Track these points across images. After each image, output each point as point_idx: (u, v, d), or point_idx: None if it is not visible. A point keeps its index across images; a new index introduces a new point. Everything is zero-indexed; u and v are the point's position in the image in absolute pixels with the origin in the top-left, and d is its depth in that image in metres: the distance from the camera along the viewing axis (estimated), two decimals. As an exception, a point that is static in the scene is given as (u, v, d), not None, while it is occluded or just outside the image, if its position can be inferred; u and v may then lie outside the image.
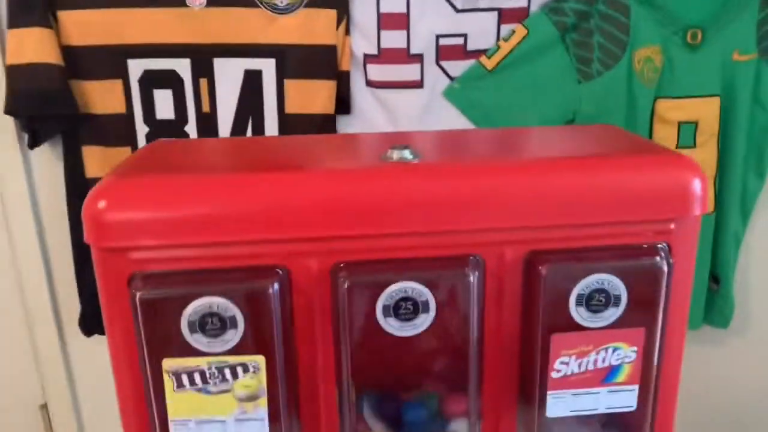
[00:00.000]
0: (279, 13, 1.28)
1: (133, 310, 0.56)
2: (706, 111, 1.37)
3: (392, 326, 0.59)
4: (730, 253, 1.64)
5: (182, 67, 1.32)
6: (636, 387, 0.62)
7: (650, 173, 0.59)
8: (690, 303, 0.64)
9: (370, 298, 0.58)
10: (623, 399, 0.62)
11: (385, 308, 0.58)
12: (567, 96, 1.33)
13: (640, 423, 0.65)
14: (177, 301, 0.56)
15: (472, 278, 0.58)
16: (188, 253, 0.57)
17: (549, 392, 0.61)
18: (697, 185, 0.59)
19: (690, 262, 0.62)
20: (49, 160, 1.50)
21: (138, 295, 0.56)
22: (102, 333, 1.64)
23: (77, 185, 1.45)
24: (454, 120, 1.33)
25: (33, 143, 1.44)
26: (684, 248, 0.61)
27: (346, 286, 0.57)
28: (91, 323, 1.62)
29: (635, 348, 0.61)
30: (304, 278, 0.58)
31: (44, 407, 1.77)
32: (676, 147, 1.38)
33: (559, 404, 0.62)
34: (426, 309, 0.58)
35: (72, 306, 1.64)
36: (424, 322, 0.59)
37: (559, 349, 0.60)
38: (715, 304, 1.71)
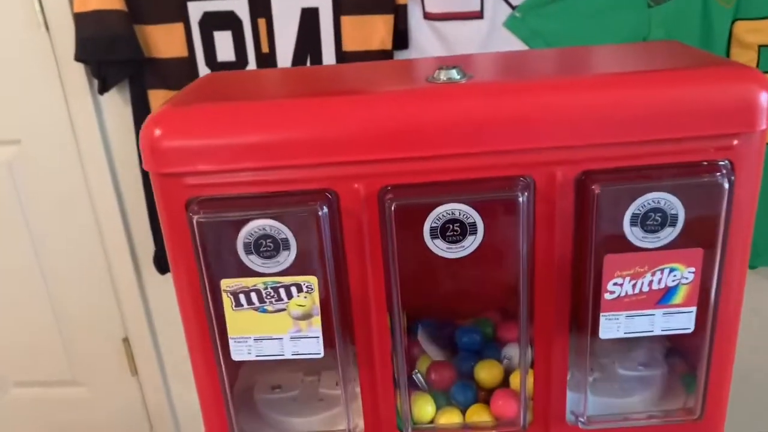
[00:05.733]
0: (332, -53, 1.27)
1: (192, 233, 0.59)
2: (789, 31, 1.27)
3: (440, 248, 0.59)
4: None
5: (240, 7, 1.33)
6: (693, 309, 0.61)
7: (711, 85, 0.56)
8: (753, 224, 0.61)
9: (417, 219, 0.58)
10: (680, 321, 0.61)
11: (432, 230, 0.58)
12: (636, 21, 1.26)
13: (698, 347, 0.63)
14: (232, 224, 0.58)
15: (521, 199, 0.58)
16: (241, 178, 0.59)
17: (602, 314, 0.61)
18: (763, 98, 0.56)
19: (755, 180, 0.59)
20: (117, 104, 1.56)
21: (195, 218, 0.58)
22: (176, 271, 1.72)
23: (145, 128, 1.50)
24: (514, 51, 1.29)
25: (103, 88, 1.50)
26: (748, 165, 0.58)
27: (392, 208, 0.58)
28: (165, 261, 1.70)
29: (693, 269, 0.59)
30: (352, 201, 0.59)
31: (126, 340, 1.90)
32: (755, 71, 1.30)
33: (612, 326, 0.61)
34: (474, 231, 0.58)
35: (147, 246, 1.73)
36: (471, 243, 0.59)
37: (613, 271, 0.59)
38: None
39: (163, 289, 1.79)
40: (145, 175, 1.59)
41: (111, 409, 2.01)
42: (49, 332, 1.90)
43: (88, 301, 1.86)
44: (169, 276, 1.88)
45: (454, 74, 0.60)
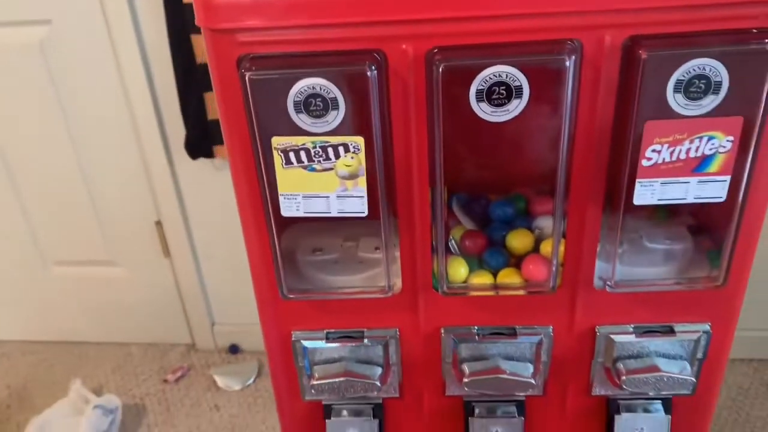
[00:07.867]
0: None
1: (243, 90, 0.60)
2: None
3: (485, 111, 0.61)
4: None
5: None
6: (727, 178, 0.62)
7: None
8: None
9: (463, 81, 0.59)
10: (713, 189, 0.63)
11: (479, 92, 0.60)
12: None
13: (727, 219, 0.66)
14: (283, 82, 0.60)
15: (568, 63, 0.58)
16: (292, 36, 0.60)
17: (638, 179, 0.63)
18: (822, -38, 0.55)
19: (804, 51, 0.59)
20: (148, -17, 1.53)
21: (247, 75, 0.60)
22: (206, 156, 1.75)
23: (175, 11, 1.49)
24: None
25: (133, -34, 1.46)
26: (798, 35, 0.58)
27: (440, 69, 0.59)
28: (195, 147, 1.73)
29: (731, 137, 0.60)
30: (401, 62, 0.60)
31: (159, 223, 1.95)
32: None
33: (646, 192, 0.63)
34: (519, 94, 0.60)
35: (178, 132, 1.75)
36: (517, 107, 0.60)
37: (652, 137, 0.61)
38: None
39: (195, 173, 1.83)
40: (176, 59, 1.59)
41: (146, 289, 2.09)
42: (85, 214, 1.96)
43: (121, 185, 1.90)
44: (200, 161, 1.91)
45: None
